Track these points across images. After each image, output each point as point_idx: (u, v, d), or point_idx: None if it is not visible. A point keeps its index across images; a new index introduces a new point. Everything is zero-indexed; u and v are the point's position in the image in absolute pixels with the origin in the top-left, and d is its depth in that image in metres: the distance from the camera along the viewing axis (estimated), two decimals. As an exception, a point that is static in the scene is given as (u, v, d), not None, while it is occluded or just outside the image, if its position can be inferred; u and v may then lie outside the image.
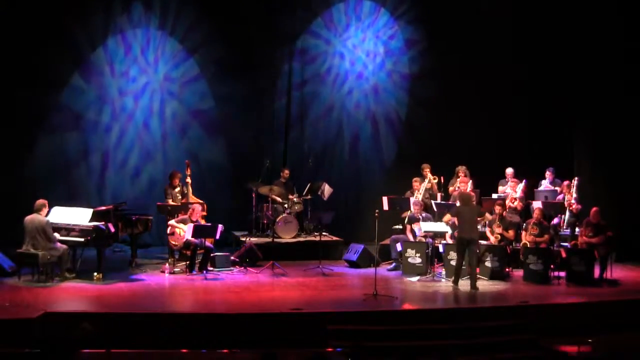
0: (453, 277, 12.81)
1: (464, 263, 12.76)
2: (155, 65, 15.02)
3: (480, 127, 16.81)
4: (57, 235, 12.35)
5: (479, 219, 13.15)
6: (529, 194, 15.17)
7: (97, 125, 14.69)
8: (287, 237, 15.12)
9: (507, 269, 13.54)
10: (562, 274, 13.26)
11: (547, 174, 15.37)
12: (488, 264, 13.36)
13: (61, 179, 14.51)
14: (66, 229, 12.60)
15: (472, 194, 14.53)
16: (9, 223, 12.68)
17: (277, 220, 15.01)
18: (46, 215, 12.37)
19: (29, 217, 12.18)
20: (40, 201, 12.31)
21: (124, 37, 15.02)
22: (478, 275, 13.23)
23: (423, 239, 13.86)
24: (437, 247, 13.70)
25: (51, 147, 14.43)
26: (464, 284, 12.71)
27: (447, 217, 13.31)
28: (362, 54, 17.04)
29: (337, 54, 16.93)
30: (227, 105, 15.49)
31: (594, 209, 13.41)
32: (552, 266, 13.24)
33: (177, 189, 14.56)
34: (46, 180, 14.28)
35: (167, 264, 13.49)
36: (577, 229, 14.05)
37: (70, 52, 14.43)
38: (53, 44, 14.28)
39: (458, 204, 13.28)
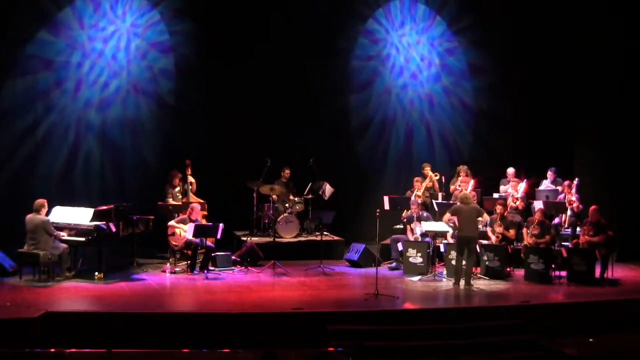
0: (454, 278, 12.83)
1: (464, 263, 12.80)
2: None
3: (487, 127, 17.00)
4: (61, 234, 12.40)
5: (478, 219, 13.13)
6: (530, 194, 15.18)
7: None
8: (288, 236, 15.13)
9: (508, 269, 13.54)
10: (563, 273, 13.26)
11: (549, 173, 15.38)
12: (489, 263, 13.37)
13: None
14: (67, 229, 12.64)
15: (474, 193, 14.55)
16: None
17: (278, 219, 15.02)
18: (46, 214, 12.40)
19: (29, 216, 12.23)
20: (39, 201, 12.33)
21: (93, -3, 15.76)
22: (479, 275, 13.28)
23: (420, 238, 13.86)
24: (438, 247, 13.70)
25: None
26: (463, 283, 12.74)
27: (446, 216, 13.30)
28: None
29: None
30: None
31: (593, 207, 13.42)
32: (553, 266, 13.24)
33: (178, 189, 14.62)
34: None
35: (168, 264, 13.51)
36: (578, 229, 14.06)
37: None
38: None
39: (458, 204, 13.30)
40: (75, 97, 15.19)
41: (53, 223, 12.42)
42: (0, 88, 14.62)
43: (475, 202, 14.20)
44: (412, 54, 17.42)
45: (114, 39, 15.58)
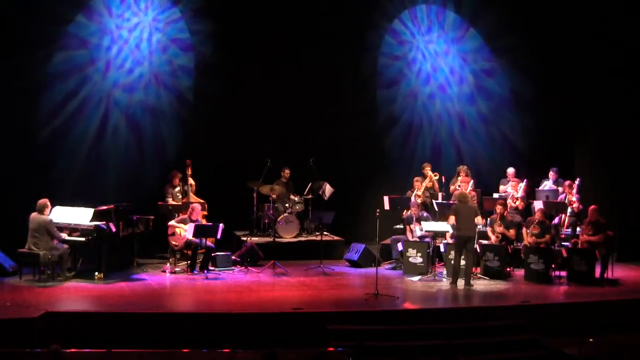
0: (451, 277, 12.83)
1: (462, 262, 12.80)
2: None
3: (486, 127, 17.00)
4: (61, 234, 12.40)
5: (475, 219, 13.06)
6: (530, 194, 15.18)
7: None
8: (288, 236, 15.13)
9: (508, 269, 13.54)
10: (563, 273, 13.26)
11: (551, 173, 15.38)
12: (489, 263, 13.37)
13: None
14: (67, 229, 12.64)
15: (473, 193, 14.57)
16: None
17: (278, 219, 15.02)
18: (49, 214, 12.40)
19: (33, 215, 12.24)
20: (42, 201, 12.33)
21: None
22: (479, 275, 13.28)
23: (418, 240, 13.86)
24: (438, 247, 13.69)
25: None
26: (462, 283, 12.74)
27: (451, 219, 13.23)
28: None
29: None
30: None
31: (592, 207, 13.42)
32: (553, 266, 13.24)
33: (178, 189, 14.63)
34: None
35: (168, 264, 13.51)
36: (578, 229, 14.06)
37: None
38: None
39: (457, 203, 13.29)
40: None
41: (54, 223, 12.42)
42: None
43: (475, 202, 14.23)
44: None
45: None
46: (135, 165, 15.79)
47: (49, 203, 12.39)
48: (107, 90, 15.69)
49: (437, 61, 17.32)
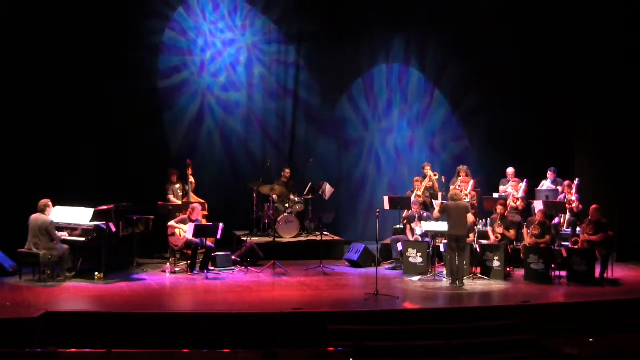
0: (451, 278, 12.84)
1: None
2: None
3: (484, 127, 16.93)
4: (61, 234, 12.40)
5: (467, 217, 13.02)
6: (530, 194, 15.18)
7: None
8: (288, 236, 15.13)
9: (508, 269, 13.54)
10: (564, 273, 13.26)
11: (549, 173, 15.36)
12: (489, 263, 13.37)
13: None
14: (67, 229, 12.64)
15: (474, 193, 14.57)
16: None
17: (278, 219, 15.02)
18: (49, 214, 12.40)
19: (34, 216, 12.25)
20: (43, 201, 12.34)
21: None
22: (479, 275, 13.28)
23: (420, 238, 13.86)
24: (438, 247, 13.69)
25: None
26: (465, 283, 12.75)
27: (435, 213, 13.33)
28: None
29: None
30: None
31: (594, 206, 13.42)
32: (553, 266, 13.24)
33: (178, 185, 14.64)
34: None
35: (168, 264, 13.51)
36: (578, 229, 14.05)
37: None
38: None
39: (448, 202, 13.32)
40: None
41: (54, 223, 12.41)
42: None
43: (475, 202, 14.23)
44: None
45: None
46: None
47: (50, 203, 12.39)
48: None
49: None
